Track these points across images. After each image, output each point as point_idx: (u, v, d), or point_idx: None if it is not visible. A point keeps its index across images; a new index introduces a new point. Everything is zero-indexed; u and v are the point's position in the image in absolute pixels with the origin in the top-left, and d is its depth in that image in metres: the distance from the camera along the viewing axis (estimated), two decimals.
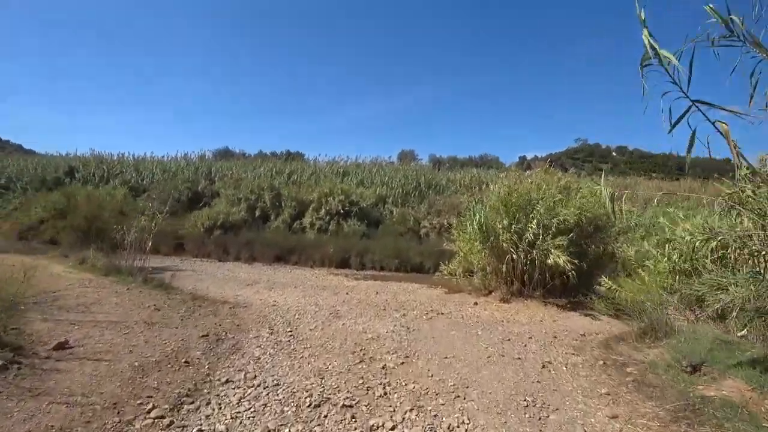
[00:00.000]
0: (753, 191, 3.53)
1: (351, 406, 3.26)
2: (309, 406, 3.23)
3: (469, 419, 3.13)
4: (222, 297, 7.46)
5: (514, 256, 7.58)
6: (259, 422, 2.98)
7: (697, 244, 5.06)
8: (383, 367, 4.08)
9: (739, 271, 4.46)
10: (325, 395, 3.39)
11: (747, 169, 3.18)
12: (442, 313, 6.57)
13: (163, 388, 3.35)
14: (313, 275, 10.42)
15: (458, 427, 3.03)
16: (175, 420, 2.92)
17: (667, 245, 6.52)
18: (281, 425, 2.95)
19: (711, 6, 2.48)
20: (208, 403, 3.20)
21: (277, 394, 3.39)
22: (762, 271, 3.87)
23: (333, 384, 3.63)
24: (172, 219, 13.93)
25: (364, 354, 4.45)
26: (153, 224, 7.35)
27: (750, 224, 4.13)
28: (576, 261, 6.95)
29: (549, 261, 7.18)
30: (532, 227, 7.22)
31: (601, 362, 4.44)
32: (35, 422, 2.70)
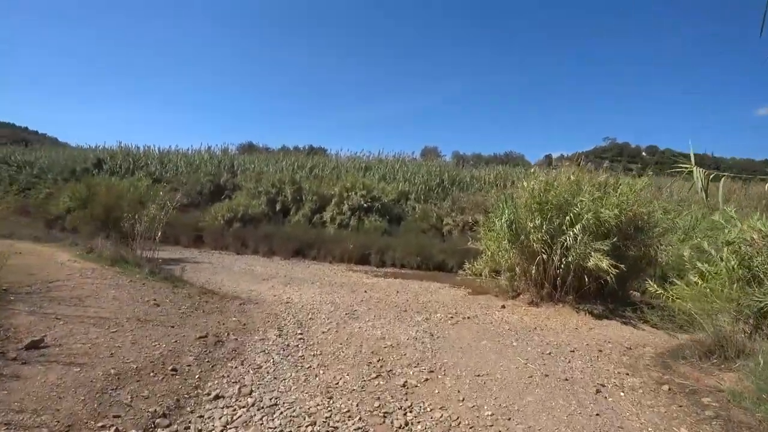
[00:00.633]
0: None
1: None
2: None
3: None
4: (234, 292, 6.84)
5: (545, 256, 6.69)
6: None
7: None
8: (404, 385, 3.31)
9: None
10: (331, 424, 2.64)
11: None
12: (468, 317, 5.76)
13: (136, 404, 2.66)
14: (331, 271, 9.73)
15: None
16: None
17: (725, 248, 5.51)
18: None
19: None
20: (186, 429, 2.49)
21: (273, 419, 2.65)
22: None
23: (343, 406, 2.87)
24: (195, 211, 13.53)
25: (381, 366, 3.69)
26: (163, 213, 6.75)
27: None
28: (622, 266, 6.04)
29: (589, 264, 6.27)
30: (574, 231, 6.31)
31: (666, 387, 3.56)
32: None
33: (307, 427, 2.57)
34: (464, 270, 8.20)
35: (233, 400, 2.88)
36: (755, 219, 5.37)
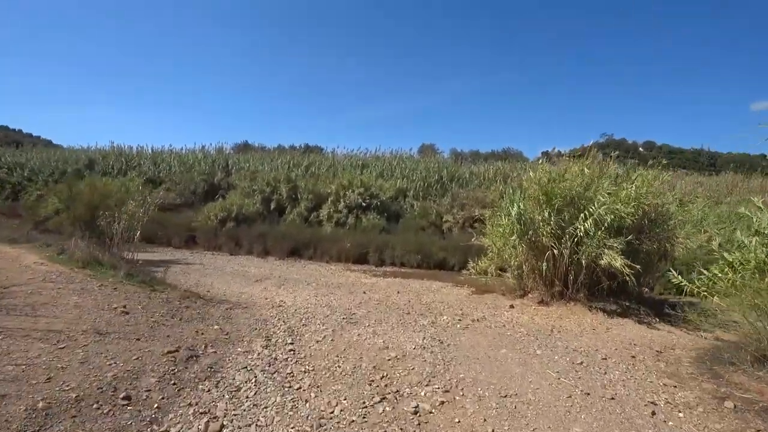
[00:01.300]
0: None
1: None
2: None
3: None
4: (223, 295, 6.08)
5: (555, 252, 5.97)
6: None
7: None
8: (415, 411, 2.57)
9: None
10: None
11: None
12: (477, 319, 5.04)
13: None
14: (328, 271, 8.98)
15: None
16: None
17: (754, 238, 4.79)
18: None
19: None
20: None
21: None
22: None
23: None
24: (188, 211, 12.73)
25: (386, 384, 2.95)
26: (143, 211, 5.97)
27: None
28: (637, 267, 5.37)
29: (602, 262, 5.57)
30: (585, 226, 5.61)
31: (730, 404, 2.84)
32: None
33: None
34: (468, 268, 7.49)
35: None
36: None
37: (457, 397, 2.79)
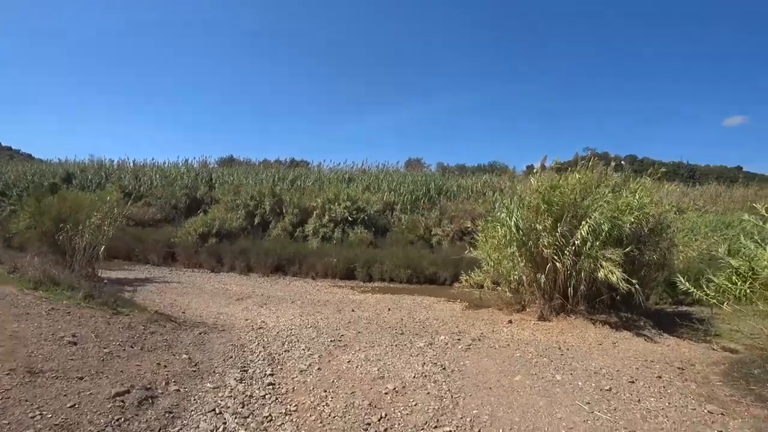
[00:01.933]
0: None
1: None
2: None
3: None
4: (198, 316, 5.39)
5: (558, 264, 5.47)
6: None
7: None
8: None
9: None
10: None
11: None
12: (477, 338, 4.47)
13: None
14: (314, 288, 8.30)
15: None
16: None
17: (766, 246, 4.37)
18: None
19: None
20: None
21: None
22: None
23: None
24: (168, 226, 11.90)
25: (386, 429, 2.33)
26: (108, 224, 5.24)
27: None
28: (635, 282, 4.92)
29: (599, 275, 5.12)
30: (582, 233, 5.16)
31: None
32: None
33: None
34: (461, 282, 6.94)
35: None
36: None
37: None
